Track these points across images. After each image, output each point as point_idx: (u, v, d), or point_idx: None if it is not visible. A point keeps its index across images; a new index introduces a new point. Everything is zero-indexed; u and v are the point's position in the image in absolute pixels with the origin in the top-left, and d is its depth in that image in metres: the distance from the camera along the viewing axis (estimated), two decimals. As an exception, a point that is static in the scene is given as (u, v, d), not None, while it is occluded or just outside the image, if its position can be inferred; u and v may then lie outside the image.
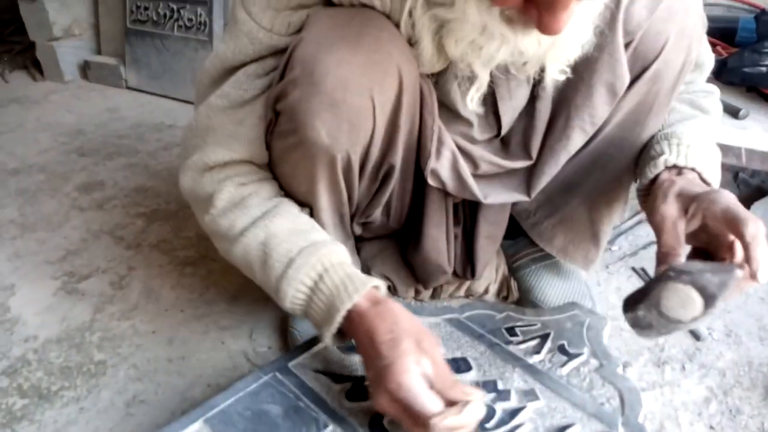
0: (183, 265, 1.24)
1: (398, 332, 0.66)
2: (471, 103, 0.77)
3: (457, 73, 0.76)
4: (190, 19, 2.03)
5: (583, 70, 0.79)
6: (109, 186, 1.57)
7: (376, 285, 0.73)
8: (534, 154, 0.86)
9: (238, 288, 1.15)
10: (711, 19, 1.49)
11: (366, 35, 0.70)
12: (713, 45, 1.45)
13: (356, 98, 0.70)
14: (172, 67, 2.12)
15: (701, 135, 0.84)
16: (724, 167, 1.36)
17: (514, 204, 1.01)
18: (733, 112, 1.26)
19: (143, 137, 1.86)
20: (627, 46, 0.78)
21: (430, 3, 0.69)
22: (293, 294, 0.74)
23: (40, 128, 1.96)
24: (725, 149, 1.19)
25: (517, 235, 1.11)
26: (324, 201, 0.81)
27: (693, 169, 0.79)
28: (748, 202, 1.33)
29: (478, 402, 0.63)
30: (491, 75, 0.75)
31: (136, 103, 2.14)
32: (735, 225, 0.67)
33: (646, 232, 1.29)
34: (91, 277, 1.22)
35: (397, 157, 0.80)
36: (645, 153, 0.87)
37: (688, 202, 0.73)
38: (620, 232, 1.29)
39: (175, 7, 2.06)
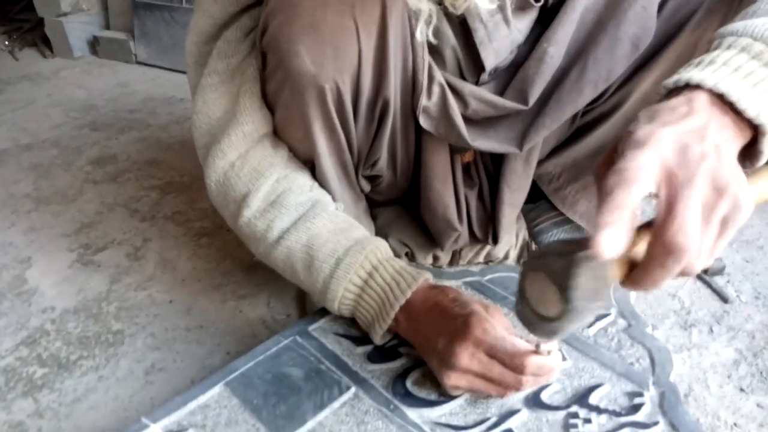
0: (199, 236, 1.23)
1: (464, 298, 0.68)
2: (421, 35, 0.71)
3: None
4: (198, -10, 2.00)
5: (607, 22, 0.75)
6: (122, 159, 1.56)
7: (427, 277, 0.73)
8: (531, 100, 0.80)
9: (254, 258, 1.14)
10: None
11: None
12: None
13: (337, 17, 0.67)
14: (181, 40, 2.09)
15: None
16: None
17: (537, 167, 0.98)
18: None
19: (154, 111, 1.84)
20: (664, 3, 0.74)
21: None
22: (343, 294, 0.73)
23: (52, 104, 1.95)
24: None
25: (537, 199, 1.09)
26: (322, 145, 0.78)
27: (698, 86, 0.51)
28: (775, 163, 1.30)
29: (557, 351, 0.63)
30: (467, 21, 0.74)
31: (147, 77, 2.12)
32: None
33: (670, 196, 1.26)
34: (107, 249, 1.21)
35: (391, 92, 0.76)
36: None
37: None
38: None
39: (183, -22, 2.03)
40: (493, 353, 0.63)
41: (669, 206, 0.45)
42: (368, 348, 0.74)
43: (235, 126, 0.77)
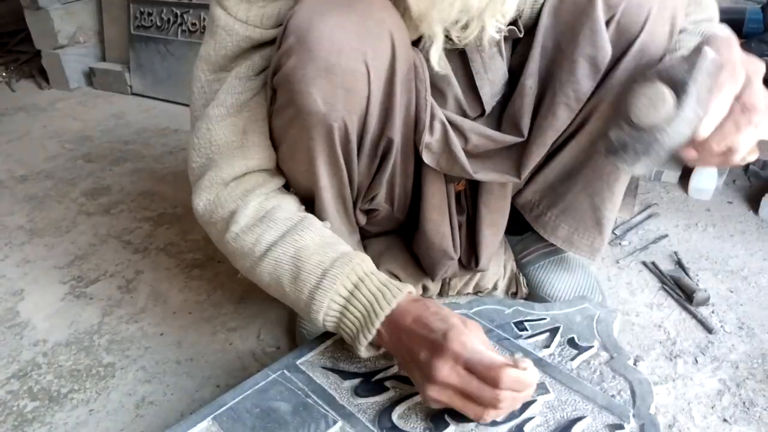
0: (190, 268, 1.24)
1: (445, 312, 0.69)
2: (435, 63, 0.76)
3: (422, 36, 0.76)
4: (193, 24, 2.04)
5: (565, 45, 0.80)
6: (115, 191, 1.58)
7: (411, 290, 0.73)
8: (525, 131, 0.86)
9: (245, 289, 1.15)
10: (719, 11, 1.49)
11: (358, 2, 0.71)
12: (719, 37, 1.44)
13: (351, 62, 0.70)
14: (176, 72, 2.12)
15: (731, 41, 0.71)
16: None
17: (517, 196, 1.00)
18: (740, 103, 1.25)
19: (149, 142, 1.86)
20: (610, 20, 0.78)
21: None
22: (328, 304, 0.73)
23: (47, 135, 1.97)
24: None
25: (525, 231, 1.11)
26: (324, 179, 0.81)
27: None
28: (759, 193, 1.32)
29: (533, 368, 0.64)
30: (466, 52, 0.80)
31: (141, 108, 2.15)
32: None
33: (657, 227, 1.28)
34: (99, 281, 1.22)
35: (395, 131, 0.79)
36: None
37: None
38: (630, 227, 1.28)
39: (178, 12, 2.07)
40: (470, 366, 0.63)
41: (748, 81, 0.65)
42: (355, 382, 0.75)
43: (240, 159, 0.79)
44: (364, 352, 0.73)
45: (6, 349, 1.05)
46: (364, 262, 0.75)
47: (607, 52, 0.79)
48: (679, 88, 0.57)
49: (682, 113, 0.57)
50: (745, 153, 0.67)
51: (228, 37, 0.77)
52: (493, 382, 0.62)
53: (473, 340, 0.65)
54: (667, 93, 0.58)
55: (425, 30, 0.75)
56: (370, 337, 0.71)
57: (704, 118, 0.62)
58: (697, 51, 0.60)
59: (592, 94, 0.84)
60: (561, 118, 0.84)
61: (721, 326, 1.01)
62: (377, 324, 0.70)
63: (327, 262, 0.74)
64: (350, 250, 0.78)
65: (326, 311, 0.74)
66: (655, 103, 0.58)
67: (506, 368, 0.62)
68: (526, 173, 0.88)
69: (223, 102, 0.79)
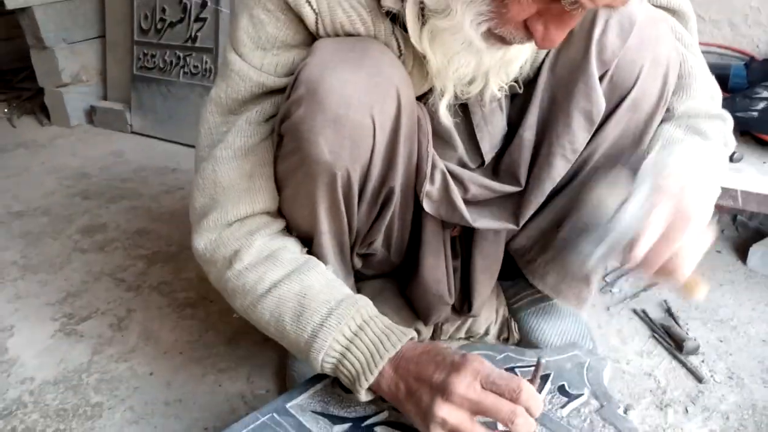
0: (182, 307, 1.24)
1: (450, 351, 0.71)
2: (443, 116, 0.80)
3: (434, 90, 0.80)
4: (195, 66, 2.08)
5: (561, 99, 0.83)
6: (111, 228, 1.58)
7: (414, 336, 0.75)
8: (523, 180, 0.88)
9: (236, 330, 1.15)
10: (703, 67, 1.53)
11: (368, 58, 0.74)
12: (706, 90, 1.48)
13: (358, 115, 0.73)
14: (177, 112, 2.16)
15: (684, 161, 0.76)
16: (722, 209, 1.38)
17: (511, 242, 1.02)
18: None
19: (147, 181, 1.88)
20: (604, 75, 0.81)
21: (425, 14, 0.72)
22: (330, 344, 0.73)
23: (45, 172, 1.99)
24: (721, 192, 1.20)
25: (517, 276, 1.12)
26: (325, 225, 0.82)
27: None
28: (747, 243, 1.34)
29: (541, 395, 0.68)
30: (468, 106, 0.83)
31: (141, 147, 2.18)
32: None
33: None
34: (91, 318, 1.22)
35: (397, 181, 0.82)
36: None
37: None
38: (621, 274, 1.29)
39: (181, 55, 2.12)
40: (490, 381, 0.66)
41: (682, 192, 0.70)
42: (345, 426, 0.75)
43: (247, 202, 0.81)
44: (363, 395, 0.73)
45: (-7, 386, 1.04)
46: (368, 305, 0.77)
47: (601, 106, 0.81)
48: (632, 173, 0.66)
49: (637, 191, 0.65)
50: (688, 270, 0.70)
51: (242, 82, 0.80)
52: (512, 394, 0.65)
53: (489, 363, 0.68)
54: (621, 179, 0.66)
55: (438, 84, 0.78)
56: (371, 379, 0.72)
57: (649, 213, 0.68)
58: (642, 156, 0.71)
59: (586, 145, 0.86)
60: (557, 168, 0.86)
61: (711, 376, 1.01)
62: (381, 364, 0.71)
63: (333, 302, 0.76)
64: (354, 293, 0.79)
65: (327, 351, 0.74)
66: (608, 191, 0.66)
67: (525, 381, 0.66)
68: (523, 221, 0.90)
69: (231, 144, 0.81)
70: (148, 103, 2.24)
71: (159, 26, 2.17)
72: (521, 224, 0.91)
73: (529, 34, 0.66)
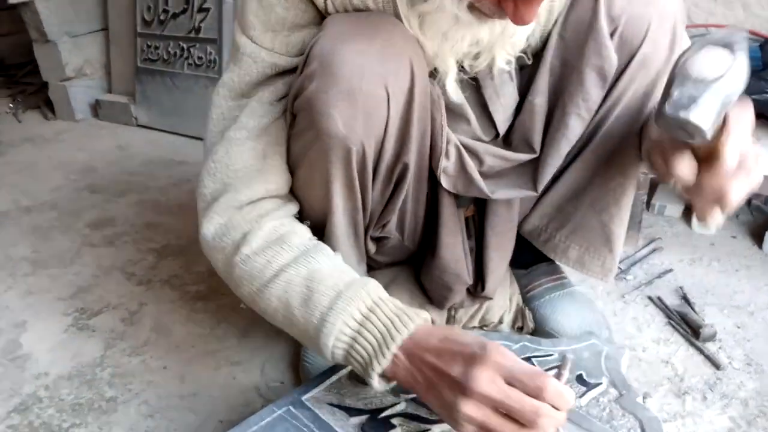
0: (194, 300, 1.24)
1: (472, 334, 0.70)
2: (452, 93, 0.81)
3: (437, 69, 0.80)
4: (200, 57, 2.07)
5: (573, 60, 0.83)
6: (120, 222, 1.58)
7: (427, 318, 0.72)
8: (537, 147, 0.88)
9: (248, 322, 1.14)
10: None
11: (380, 31, 0.73)
12: (719, 73, 1.46)
13: (372, 86, 0.72)
14: (182, 104, 2.15)
15: None
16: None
17: (524, 223, 1.01)
18: (742, 138, 1.26)
19: (153, 174, 1.87)
20: (614, 32, 0.80)
21: (412, 1, 0.74)
22: (340, 328, 0.70)
23: (52, 166, 1.98)
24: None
25: (531, 264, 1.11)
26: (339, 203, 0.81)
27: None
28: (762, 228, 1.33)
29: (570, 389, 0.64)
30: (478, 80, 0.83)
31: (147, 140, 2.17)
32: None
33: (661, 261, 1.28)
34: (102, 313, 1.22)
35: (411, 156, 0.81)
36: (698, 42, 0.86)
37: None
38: (635, 261, 1.28)
39: (185, 46, 2.10)
40: (513, 377, 0.62)
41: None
42: (362, 418, 0.74)
43: (261, 182, 0.80)
44: (376, 382, 0.70)
45: (8, 382, 1.04)
46: (378, 288, 0.75)
47: (613, 61, 0.81)
48: (729, 46, 0.64)
49: (737, 61, 0.64)
50: (737, 197, 0.68)
51: (254, 64, 0.80)
52: (536, 392, 0.61)
53: (511, 353, 0.65)
54: (720, 50, 0.64)
55: (440, 65, 0.78)
56: (385, 363, 0.69)
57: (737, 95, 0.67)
58: (731, 30, 0.68)
59: (598, 108, 0.86)
60: (574, 129, 0.86)
61: (729, 362, 1.00)
62: (393, 348, 0.68)
63: (341, 285, 0.73)
64: (364, 276, 0.78)
65: (337, 335, 0.71)
66: (713, 60, 0.64)
67: (551, 378, 0.61)
68: (542, 186, 0.90)
69: (244, 125, 0.80)
70: (153, 95, 2.23)
71: (162, 18, 2.15)
72: (540, 189, 0.90)
73: (503, 10, 0.67)
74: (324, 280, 0.74)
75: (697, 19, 1.61)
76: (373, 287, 0.74)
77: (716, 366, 1.00)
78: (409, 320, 0.70)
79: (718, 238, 1.35)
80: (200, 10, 2.04)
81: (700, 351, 1.03)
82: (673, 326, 1.09)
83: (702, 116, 0.64)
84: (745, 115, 0.68)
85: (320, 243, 0.81)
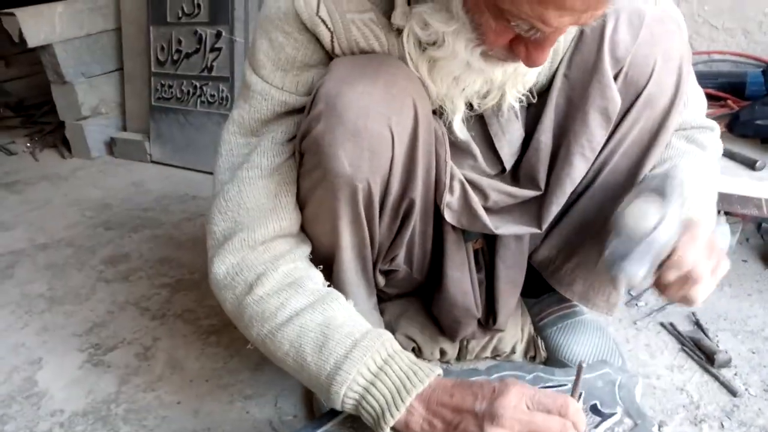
0: (207, 335, 1.25)
1: (484, 382, 0.72)
2: (458, 131, 0.83)
3: (443, 109, 0.82)
4: (212, 95, 2.12)
5: (577, 100, 0.84)
6: (134, 258, 1.60)
7: (440, 373, 0.74)
8: (542, 184, 0.89)
9: (261, 356, 1.12)
10: (720, 75, 1.53)
11: (383, 72, 0.75)
12: (724, 99, 1.47)
13: (376, 126, 0.74)
14: (195, 141, 2.19)
15: (694, 172, 0.86)
16: (746, 218, 1.36)
17: (534, 254, 1.01)
18: (749, 163, 1.26)
19: (168, 209, 1.90)
20: (618, 74, 0.82)
21: (422, 45, 0.76)
22: (354, 377, 0.72)
23: (68, 203, 2.02)
24: (744, 201, 1.19)
25: (542, 293, 1.11)
26: (346, 239, 0.83)
27: None
28: (773, 252, 1.32)
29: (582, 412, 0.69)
30: (484, 116, 0.86)
31: (161, 176, 2.21)
32: None
33: (672, 287, 1.28)
34: (117, 348, 1.23)
35: (417, 192, 0.82)
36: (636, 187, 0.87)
37: None
38: (646, 288, 1.27)
39: (198, 84, 2.15)
40: (536, 400, 0.68)
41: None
42: (375, 452, 0.74)
43: (273, 221, 0.81)
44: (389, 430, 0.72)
45: (23, 420, 1.05)
46: (392, 340, 0.76)
47: (616, 102, 0.82)
48: (660, 192, 0.68)
49: (668, 213, 0.67)
50: (704, 296, 0.74)
51: (264, 102, 0.82)
52: (560, 410, 0.66)
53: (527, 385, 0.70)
54: (651, 203, 0.68)
55: (447, 105, 0.80)
56: (397, 416, 0.70)
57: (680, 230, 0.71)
58: (667, 175, 0.73)
59: (604, 146, 0.87)
60: (577, 168, 0.87)
61: (746, 389, 0.99)
62: (408, 401, 0.70)
63: (357, 334, 0.75)
64: (378, 327, 0.80)
65: (350, 385, 0.72)
66: (644, 213, 0.68)
67: (571, 398, 0.68)
68: (546, 223, 0.90)
69: (258, 165, 0.82)
70: (167, 132, 2.28)
71: (175, 57, 2.21)
72: (544, 227, 0.91)
73: (515, 54, 0.69)
74: (340, 328, 0.75)
75: (700, 46, 1.63)
76: (389, 339, 0.76)
77: (732, 393, 0.98)
78: (425, 375, 0.72)
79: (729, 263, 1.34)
80: (212, 49, 2.09)
81: (716, 378, 1.02)
82: (687, 353, 1.08)
83: (631, 271, 0.70)
84: (695, 240, 0.74)
85: (334, 290, 0.82)
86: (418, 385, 0.71)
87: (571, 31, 0.84)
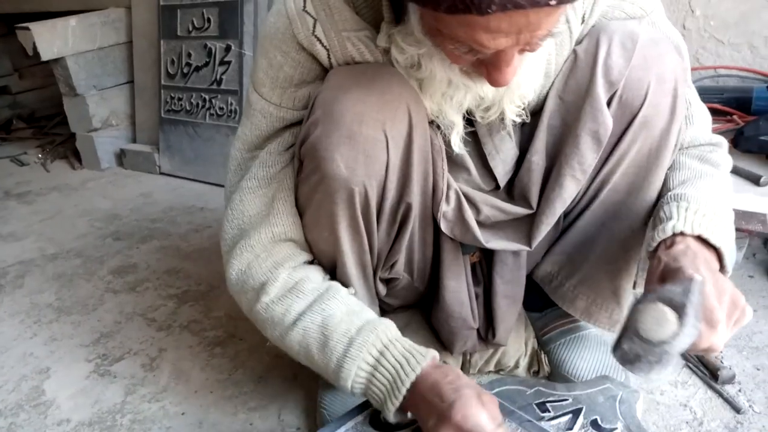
0: (212, 346, 1.26)
1: (460, 382, 0.73)
2: (456, 146, 0.85)
3: (440, 125, 0.83)
4: (221, 108, 2.14)
5: (570, 122, 0.85)
6: (142, 269, 1.62)
7: (435, 356, 0.77)
8: (534, 203, 0.90)
9: (265, 368, 1.16)
10: (726, 90, 1.53)
11: (379, 80, 0.78)
12: (730, 114, 1.48)
13: (371, 130, 0.76)
14: (203, 153, 2.21)
15: (712, 195, 0.83)
16: (752, 233, 1.36)
17: (537, 269, 1.02)
18: (754, 179, 1.26)
19: (175, 220, 1.92)
20: (613, 96, 0.83)
21: (406, 70, 0.79)
22: (356, 372, 0.77)
23: (78, 214, 2.04)
24: (749, 216, 1.19)
25: (545, 307, 1.11)
26: (346, 243, 0.84)
27: (699, 236, 0.78)
28: (779, 268, 1.32)
29: None
30: (478, 135, 0.88)
31: (169, 187, 2.23)
32: None
33: (677, 302, 1.27)
34: (123, 359, 1.24)
35: (413, 197, 0.84)
36: (655, 213, 0.87)
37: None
38: (649, 302, 1.27)
39: (207, 97, 2.18)
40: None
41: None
42: (377, 465, 0.75)
43: (266, 226, 0.85)
44: (393, 417, 0.76)
45: (31, 428, 1.06)
46: (388, 328, 0.79)
47: (607, 126, 0.83)
48: (679, 310, 0.67)
49: (685, 329, 0.66)
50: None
51: (264, 119, 0.87)
52: None
53: (478, 414, 0.69)
54: (668, 313, 0.67)
55: (442, 121, 0.82)
56: (397, 404, 0.75)
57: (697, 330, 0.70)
58: (689, 279, 0.70)
59: (603, 166, 0.88)
60: (568, 189, 0.87)
61: (750, 406, 0.99)
62: (404, 391, 0.74)
63: (353, 331, 0.79)
64: (375, 317, 0.82)
65: (354, 378, 0.77)
66: (660, 323, 0.67)
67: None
68: (536, 242, 0.91)
69: (255, 175, 0.87)
70: (176, 144, 2.30)
71: (185, 70, 2.24)
72: (534, 245, 0.91)
73: (480, 74, 0.70)
74: (337, 327, 0.80)
75: (706, 61, 1.63)
76: (383, 329, 0.79)
77: (736, 410, 0.98)
78: (417, 363, 0.75)
79: (735, 278, 1.34)
80: (222, 63, 2.12)
81: (720, 394, 1.01)
82: (691, 368, 1.08)
83: (645, 372, 0.69)
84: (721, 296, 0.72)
85: (332, 284, 0.85)
86: (411, 374, 0.75)
87: (563, 53, 0.85)
